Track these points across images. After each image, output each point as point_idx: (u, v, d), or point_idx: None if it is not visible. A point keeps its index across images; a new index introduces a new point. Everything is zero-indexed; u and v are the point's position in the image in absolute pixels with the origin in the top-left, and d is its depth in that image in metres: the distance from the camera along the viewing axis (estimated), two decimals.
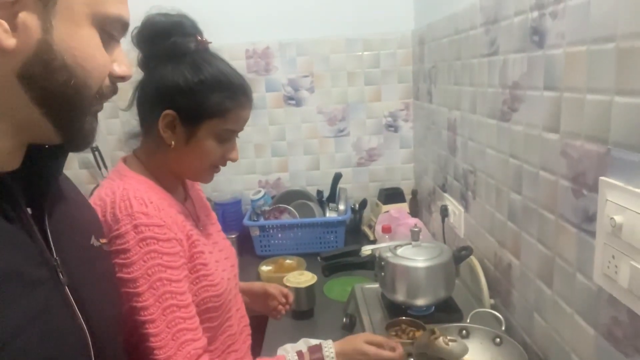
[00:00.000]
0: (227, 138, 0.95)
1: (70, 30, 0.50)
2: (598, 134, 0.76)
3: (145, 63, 0.93)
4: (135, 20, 0.90)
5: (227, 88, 0.91)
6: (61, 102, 0.51)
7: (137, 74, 0.96)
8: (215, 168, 0.98)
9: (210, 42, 0.94)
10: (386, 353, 0.99)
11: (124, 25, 0.56)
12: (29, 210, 0.54)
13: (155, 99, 0.91)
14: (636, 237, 0.66)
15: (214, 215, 1.14)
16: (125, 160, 0.96)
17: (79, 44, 0.50)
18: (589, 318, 0.83)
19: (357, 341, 1.00)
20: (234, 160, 0.98)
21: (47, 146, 0.56)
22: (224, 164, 0.98)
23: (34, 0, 0.47)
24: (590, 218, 0.80)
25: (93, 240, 0.67)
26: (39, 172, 0.57)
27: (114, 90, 0.58)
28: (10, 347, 0.46)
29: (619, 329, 0.74)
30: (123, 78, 0.58)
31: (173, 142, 0.91)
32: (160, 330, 0.78)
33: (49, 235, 0.56)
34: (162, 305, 0.79)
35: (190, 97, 0.89)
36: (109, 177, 0.92)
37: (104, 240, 0.71)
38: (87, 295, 0.59)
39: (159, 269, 0.80)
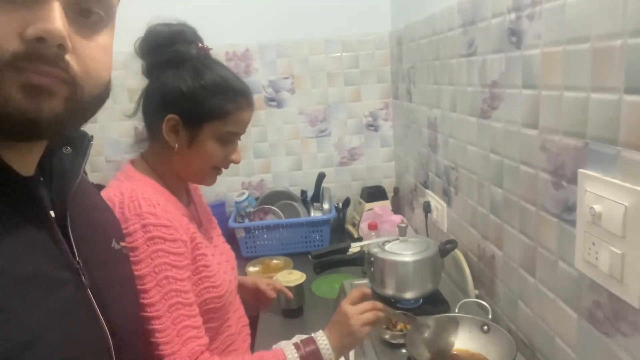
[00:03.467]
0: (228, 140, 0.98)
1: None
2: (576, 129, 0.81)
3: (149, 71, 0.95)
4: (138, 32, 0.93)
5: (228, 91, 0.94)
6: None
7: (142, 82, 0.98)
8: (217, 170, 1.01)
9: (211, 49, 0.96)
10: (366, 310, 1.00)
11: None
12: (52, 213, 0.55)
13: (159, 104, 0.93)
14: (615, 224, 0.71)
15: (214, 220, 1.17)
16: (132, 162, 0.98)
17: None
18: (571, 303, 0.88)
19: (341, 310, 1.00)
20: (236, 162, 1.01)
21: (64, 150, 0.57)
22: (227, 166, 1.01)
23: None
24: (570, 208, 0.85)
25: (114, 244, 0.68)
26: (60, 176, 0.58)
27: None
28: (34, 347, 0.47)
29: (600, 311, 0.79)
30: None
31: (177, 145, 0.93)
32: (165, 326, 0.80)
33: (72, 238, 0.56)
34: (168, 302, 0.81)
35: (192, 100, 0.91)
36: (116, 179, 0.93)
37: (124, 244, 0.72)
38: (109, 297, 0.60)
39: (165, 267, 0.82)
